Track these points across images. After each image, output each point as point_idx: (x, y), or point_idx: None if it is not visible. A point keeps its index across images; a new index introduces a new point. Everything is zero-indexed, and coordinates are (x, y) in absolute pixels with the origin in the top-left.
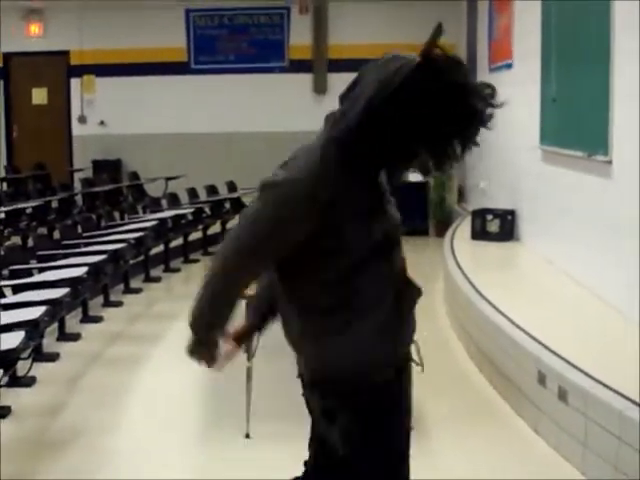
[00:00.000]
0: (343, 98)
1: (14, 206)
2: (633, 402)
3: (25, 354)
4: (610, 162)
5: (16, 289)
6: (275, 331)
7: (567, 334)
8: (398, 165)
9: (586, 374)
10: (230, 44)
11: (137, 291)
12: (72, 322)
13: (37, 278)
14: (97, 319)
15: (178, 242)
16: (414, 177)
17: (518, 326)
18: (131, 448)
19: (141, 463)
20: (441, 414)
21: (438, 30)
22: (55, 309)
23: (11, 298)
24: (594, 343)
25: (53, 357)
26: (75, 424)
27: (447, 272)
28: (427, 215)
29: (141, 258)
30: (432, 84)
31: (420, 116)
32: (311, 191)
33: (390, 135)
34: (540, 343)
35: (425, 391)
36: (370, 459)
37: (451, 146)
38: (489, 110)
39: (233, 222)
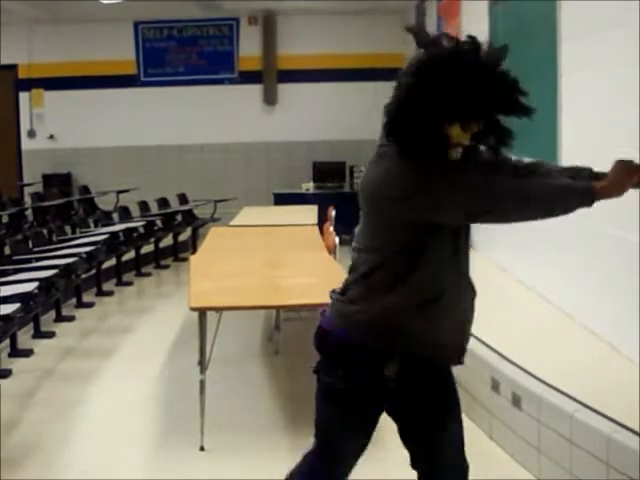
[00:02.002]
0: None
1: None
2: (584, 405)
3: None
4: None
5: None
6: (225, 344)
7: (519, 340)
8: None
9: (538, 379)
10: (180, 56)
11: (89, 305)
12: (24, 338)
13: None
14: (49, 334)
15: (130, 255)
16: None
17: (471, 334)
18: (86, 462)
19: (96, 476)
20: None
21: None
22: (6, 325)
23: None
24: (546, 348)
25: (6, 373)
26: (29, 439)
27: None
28: None
29: (93, 272)
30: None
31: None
32: None
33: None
34: (493, 350)
35: None
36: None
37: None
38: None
39: (185, 234)
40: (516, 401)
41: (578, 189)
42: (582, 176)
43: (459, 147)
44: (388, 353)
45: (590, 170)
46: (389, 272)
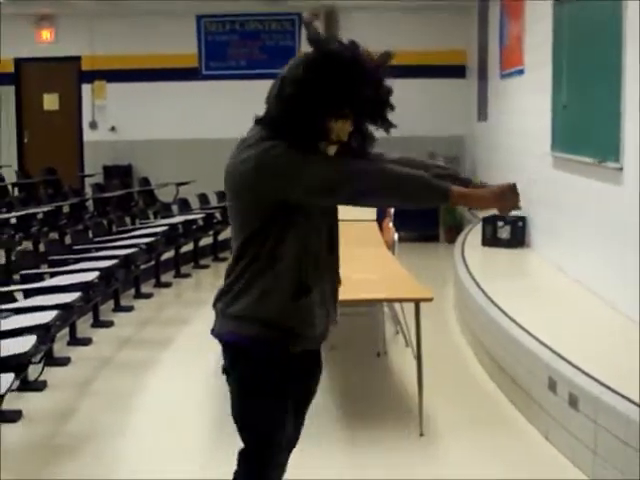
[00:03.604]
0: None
1: (25, 211)
2: None
3: (36, 358)
4: (621, 169)
5: (27, 294)
6: None
7: (577, 340)
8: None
9: (596, 380)
10: (241, 50)
11: (148, 296)
12: (83, 327)
13: (48, 283)
14: (108, 324)
15: (189, 247)
16: None
17: (529, 333)
18: (140, 452)
19: (150, 467)
20: (451, 421)
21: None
22: (66, 314)
23: (22, 302)
24: (604, 349)
25: (64, 361)
26: (85, 428)
27: (457, 278)
28: (438, 221)
29: (152, 263)
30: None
31: (321, 90)
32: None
33: (305, 111)
34: (551, 350)
35: (435, 398)
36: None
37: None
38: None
39: None
40: (573, 402)
41: (436, 187)
42: (445, 175)
43: (335, 144)
44: None
45: (455, 172)
46: None
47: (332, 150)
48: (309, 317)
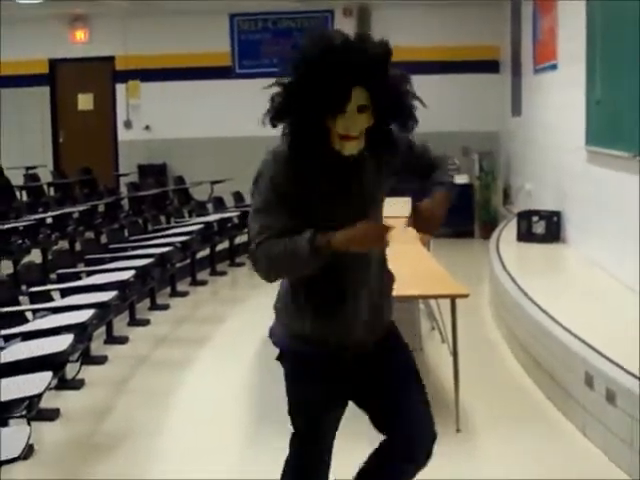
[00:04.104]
0: None
1: (61, 210)
2: None
3: (73, 357)
4: None
5: (64, 293)
6: None
7: (614, 336)
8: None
9: (634, 375)
10: (274, 48)
11: (183, 294)
12: (120, 325)
13: (85, 282)
14: (144, 322)
15: (224, 246)
16: (460, 179)
17: (565, 328)
18: (177, 450)
19: (188, 464)
20: (488, 416)
21: None
22: (103, 312)
23: (59, 302)
24: (636, 341)
25: (101, 360)
26: (123, 426)
27: (493, 274)
28: (473, 216)
29: (187, 261)
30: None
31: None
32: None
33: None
34: (587, 345)
35: (472, 394)
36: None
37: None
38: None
39: None
40: (610, 397)
41: (300, 251)
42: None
43: (352, 140)
44: None
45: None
46: None
47: (351, 146)
48: (345, 326)
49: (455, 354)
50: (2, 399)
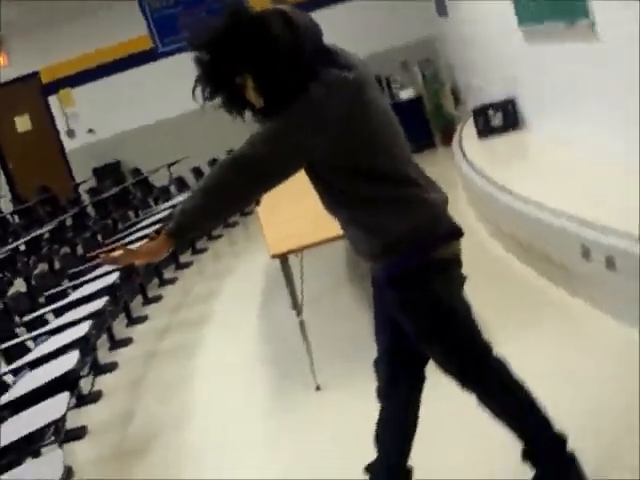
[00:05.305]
0: None
1: (31, 235)
2: None
3: (84, 372)
4: (593, 24)
5: (57, 312)
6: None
7: (598, 203)
8: None
9: (630, 238)
10: (190, 19)
11: (172, 281)
12: (119, 328)
13: (74, 296)
14: (142, 319)
15: None
16: (406, 94)
17: (551, 209)
18: (206, 440)
19: (220, 447)
20: (491, 309)
21: None
22: (100, 320)
23: (55, 322)
24: (627, 206)
25: (111, 367)
26: (149, 426)
27: (464, 176)
28: (429, 128)
29: None
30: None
31: None
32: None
33: None
34: (578, 219)
35: (473, 290)
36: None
37: None
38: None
39: None
40: (610, 263)
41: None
42: None
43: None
44: None
45: None
46: None
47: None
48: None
49: None
50: (27, 431)
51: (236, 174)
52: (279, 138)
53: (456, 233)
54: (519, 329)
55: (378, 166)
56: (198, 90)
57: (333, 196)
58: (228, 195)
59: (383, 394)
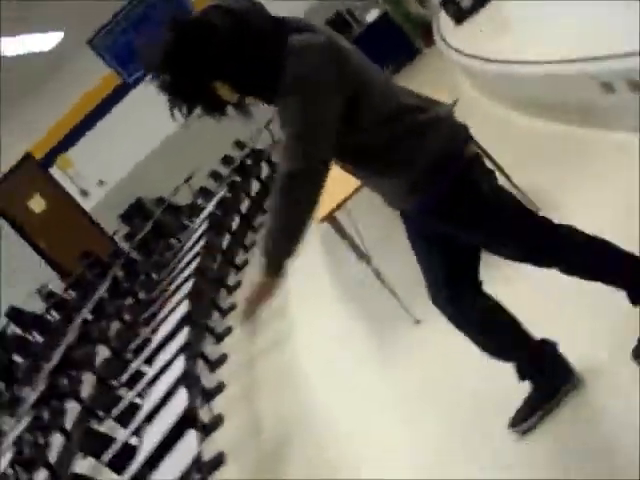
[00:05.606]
0: None
1: (92, 301)
2: None
3: (198, 403)
4: None
5: (149, 360)
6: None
7: (593, 36)
8: None
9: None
10: (144, 39)
11: (237, 286)
12: (210, 350)
13: (157, 338)
14: (227, 332)
15: None
16: (371, 16)
17: (558, 61)
18: (338, 416)
19: (353, 421)
20: (545, 173)
21: None
22: (191, 351)
23: (151, 370)
24: (618, 28)
25: (219, 388)
26: (279, 428)
27: (462, 65)
28: (407, 37)
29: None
30: None
31: None
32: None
33: None
34: (587, 59)
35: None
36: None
37: None
38: None
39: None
40: (635, 85)
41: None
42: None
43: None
44: None
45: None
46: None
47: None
48: None
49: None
50: None
51: (300, 184)
52: (305, 110)
53: (468, 134)
54: (583, 180)
55: (378, 109)
56: (175, 110)
57: (346, 154)
58: (304, 207)
59: (459, 321)
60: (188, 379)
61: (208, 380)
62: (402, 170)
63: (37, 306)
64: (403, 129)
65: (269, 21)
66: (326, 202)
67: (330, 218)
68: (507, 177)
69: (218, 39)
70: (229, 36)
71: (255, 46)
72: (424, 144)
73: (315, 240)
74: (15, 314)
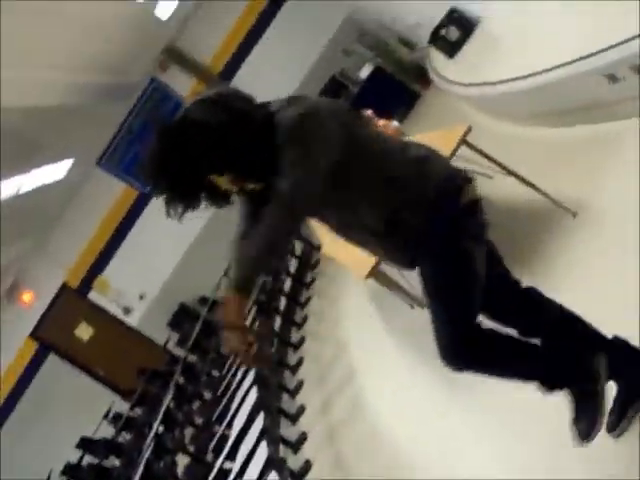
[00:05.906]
0: None
1: (159, 412)
2: None
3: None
4: None
5: (230, 456)
6: None
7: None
8: None
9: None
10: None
11: (301, 343)
12: (285, 401)
13: (234, 432)
14: (298, 387)
15: None
16: (365, 72)
17: (559, 65)
18: (419, 444)
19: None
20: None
21: None
22: (272, 434)
23: (235, 465)
24: (613, 23)
25: (301, 440)
26: (356, 436)
27: (464, 94)
28: (404, 85)
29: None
30: None
31: None
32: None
33: None
34: (585, 57)
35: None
36: None
37: None
38: None
39: None
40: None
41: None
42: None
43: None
44: None
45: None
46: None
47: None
48: None
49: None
50: None
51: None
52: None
53: (468, 177)
54: (605, 175)
55: (376, 170)
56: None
57: (345, 219)
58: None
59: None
60: (274, 464)
61: (288, 432)
62: (400, 233)
63: (108, 432)
64: (403, 188)
65: (250, 102)
66: (365, 259)
67: (373, 273)
68: (533, 186)
69: (204, 135)
70: (216, 128)
71: (242, 130)
72: (419, 209)
73: (364, 299)
74: (86, 444)
